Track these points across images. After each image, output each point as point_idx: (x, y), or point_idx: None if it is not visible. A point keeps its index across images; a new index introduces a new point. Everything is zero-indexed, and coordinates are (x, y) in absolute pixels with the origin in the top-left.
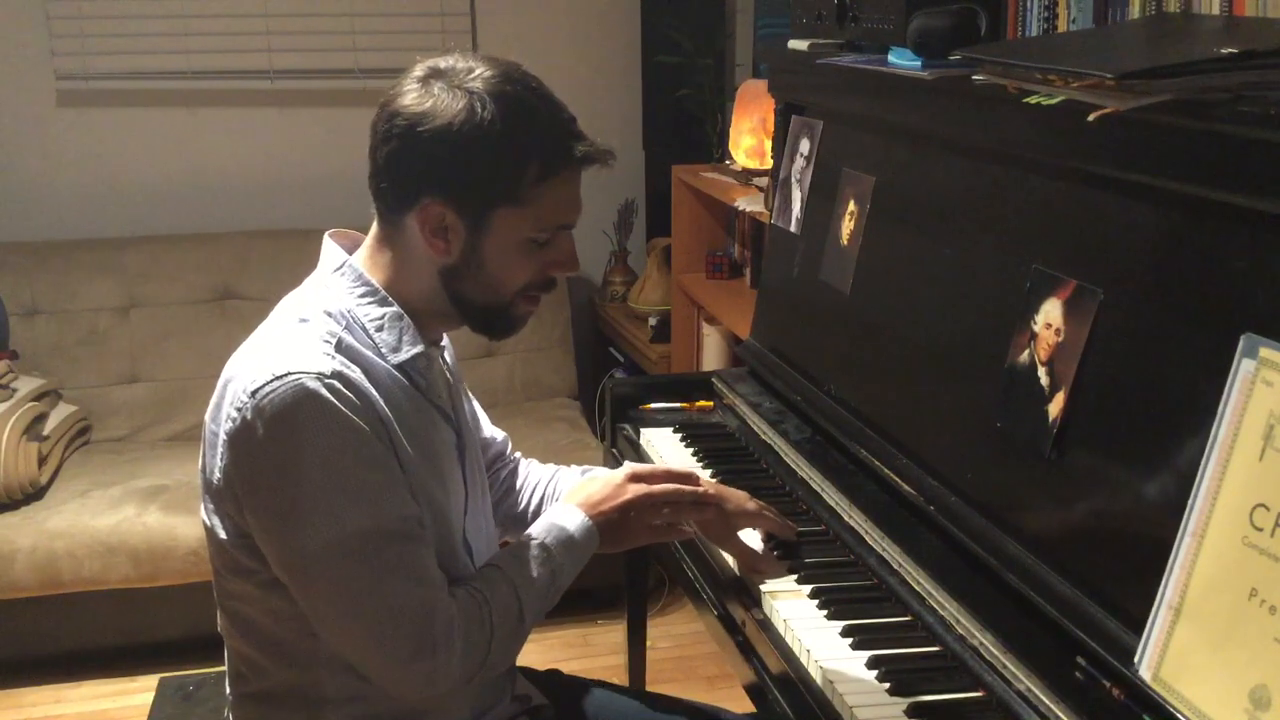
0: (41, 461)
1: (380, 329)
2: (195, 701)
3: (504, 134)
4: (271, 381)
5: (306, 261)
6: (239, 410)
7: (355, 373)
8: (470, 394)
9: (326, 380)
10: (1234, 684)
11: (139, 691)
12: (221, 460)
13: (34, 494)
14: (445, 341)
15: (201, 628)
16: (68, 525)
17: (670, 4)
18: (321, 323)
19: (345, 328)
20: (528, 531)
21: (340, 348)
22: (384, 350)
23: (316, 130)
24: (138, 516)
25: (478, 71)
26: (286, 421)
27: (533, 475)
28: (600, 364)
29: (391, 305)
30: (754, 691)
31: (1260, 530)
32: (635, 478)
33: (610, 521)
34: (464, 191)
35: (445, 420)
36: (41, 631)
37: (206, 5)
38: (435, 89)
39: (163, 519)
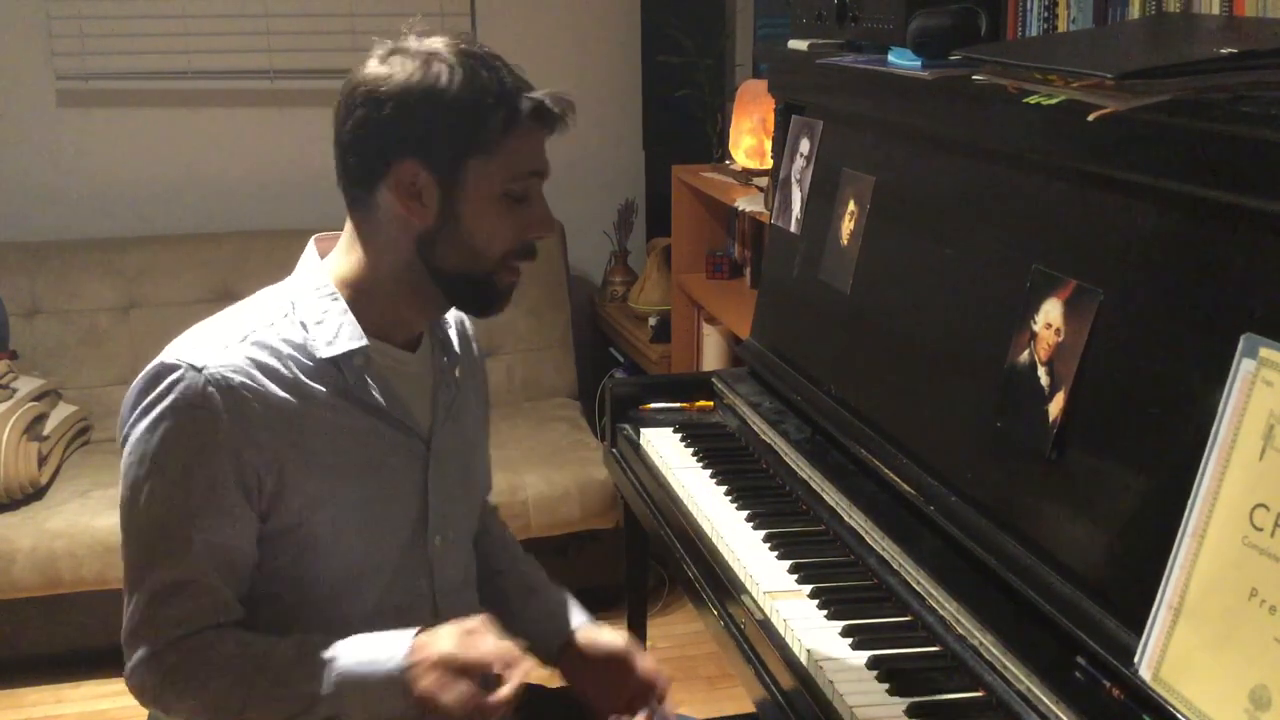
0: (41, 461)
1: (320, 323)
2: None
3: (464, 84)
4: (157, 364)
5: None
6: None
7: (238, 377)
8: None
9: (198, 379)
10: (1234, 684)
11: None
12: None
13: (34, 494)
14: (456, 343)
15: None
16: (68, 525)
17: (670, 4)
18: (246, 316)
19: (284, 317)
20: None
21: (247, 342)
22: (318, 344)
23: (316, 130)
24: None
25: (433, 39)
26: (144, 406)
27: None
28: (600, 364)
29: (339, 301)
30: (754, 692)
31: (1260, 530)
32: (439, 665)
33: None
34: (433, 146)
35: (389, 424)
36: (41, 631)
37: (206, 5)
38: (393, 58)
39: None
